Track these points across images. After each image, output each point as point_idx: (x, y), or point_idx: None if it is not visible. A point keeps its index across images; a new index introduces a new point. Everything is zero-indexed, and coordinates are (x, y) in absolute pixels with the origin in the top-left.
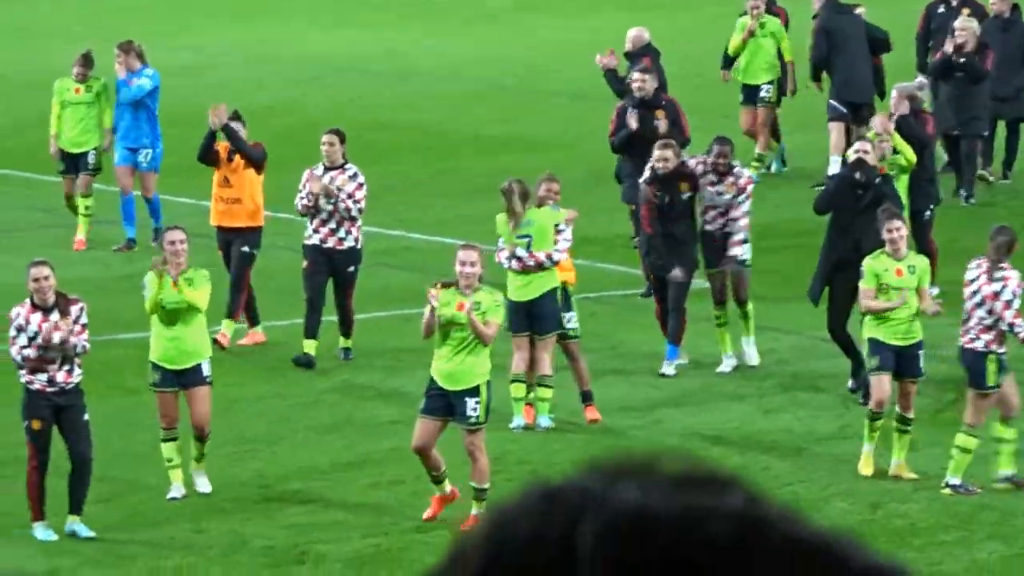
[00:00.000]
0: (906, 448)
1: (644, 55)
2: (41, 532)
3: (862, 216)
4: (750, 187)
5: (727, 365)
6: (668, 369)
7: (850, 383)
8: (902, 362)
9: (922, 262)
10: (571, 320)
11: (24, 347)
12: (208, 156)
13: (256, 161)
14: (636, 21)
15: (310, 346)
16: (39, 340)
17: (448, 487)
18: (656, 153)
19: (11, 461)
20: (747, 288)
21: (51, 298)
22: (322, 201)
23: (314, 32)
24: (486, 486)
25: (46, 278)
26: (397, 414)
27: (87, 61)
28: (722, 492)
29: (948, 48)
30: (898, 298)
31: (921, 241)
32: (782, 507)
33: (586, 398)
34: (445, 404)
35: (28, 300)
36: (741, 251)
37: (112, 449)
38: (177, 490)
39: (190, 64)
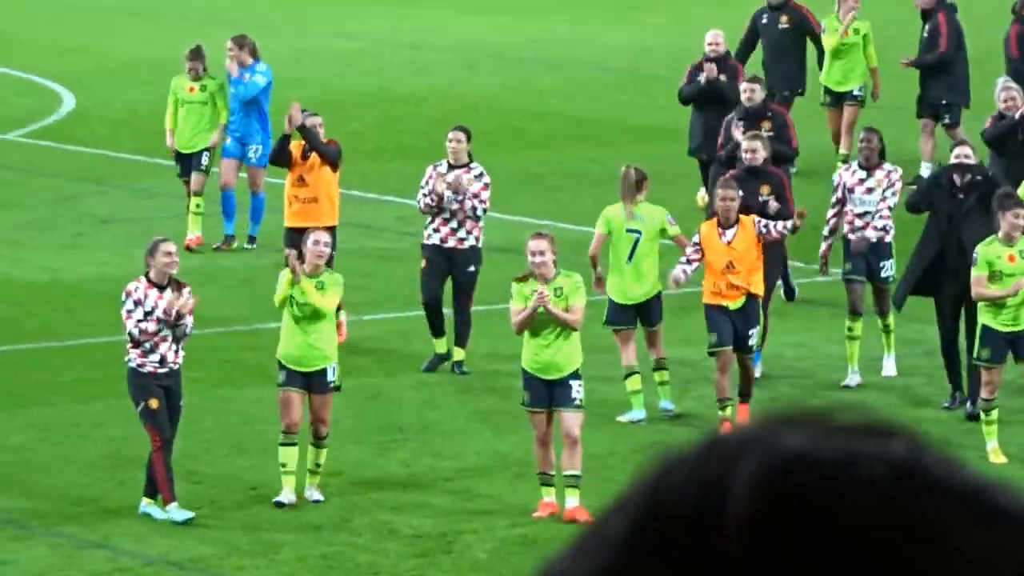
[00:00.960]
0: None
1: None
2: (177, 513)
3: (966, 219)
4: (899, 183)
5: (853, 379)
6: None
7: (966, 408)
8: (1019, 347)
9: None
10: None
11: (141, 320)
12: (281, 157)
13: (332, 159)
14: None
15: (440, 345)
16: (158, 314)
17: (552, 497)
18: (745, 143)
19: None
20: (888, 301)
21: (174, 274)
22: (447, 199)
23: (466, 19)
24: (580, 473)
25: (174, 253)
26: None
27: (198, 55)
28: (887, 440)
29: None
30: (1012, 285)
31: None
32: (949, 457)
33: (743, 396)
34: (547, 394)
35: (144, 277)
36: (889, 265)
37: (255, 438)
38: (287, 496)
39: (344, 51)
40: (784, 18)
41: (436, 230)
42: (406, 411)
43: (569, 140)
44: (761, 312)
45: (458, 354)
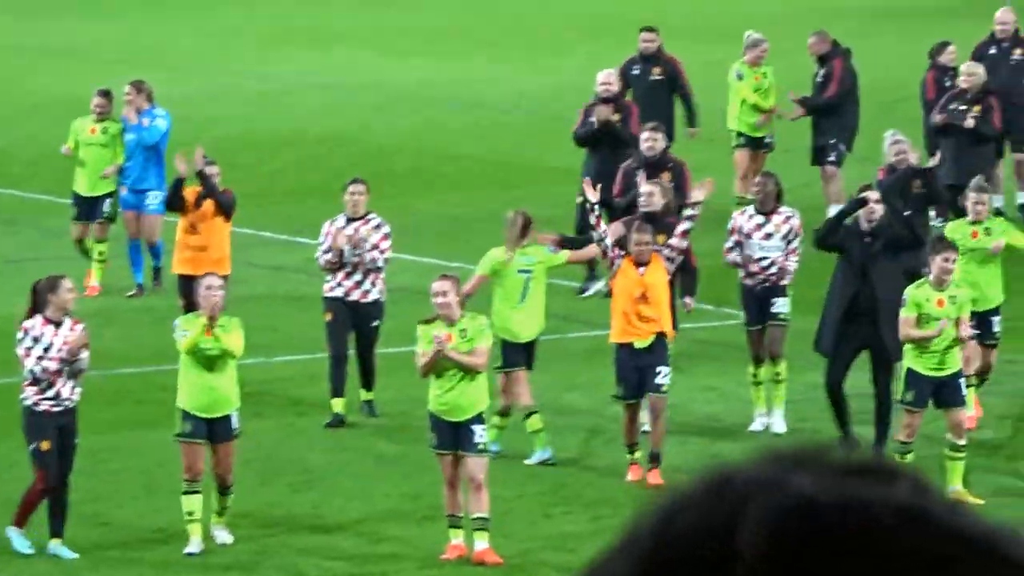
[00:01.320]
0: (960, 475)
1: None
2: (17, 541)
3: (875, 264)
4: (800, 228)
5: (760, 424)
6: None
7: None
8: (942, 392)
9: (963, 293)
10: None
11: (41, 358)
12: (176, 201)
13: (227, 208)
14: (702, 52)
15: (338, 404)
16: (60, 352)
17: (460, 540)
18: (642, 188)
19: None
20: (781, 344)
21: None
22: (347, 253)
23: (381, 60)
24: (488, 515)
25: (74, 289)
26: None
27: (106, 96)
28: (890, 482)
29: (942, 112)
30: (936, 327)
31: None
32: (950, 501)
33: (654, 460)
34: (452, 437)
35: (38, 314)
36: (783, 303)
37: (165, 480)
38: (195, 545)
39: (259, 91)
40: (657, 70)
41: (339, 283)
42: (316, 453)
43: (484, 182)
44: (668, 351)
45: (367, 395)
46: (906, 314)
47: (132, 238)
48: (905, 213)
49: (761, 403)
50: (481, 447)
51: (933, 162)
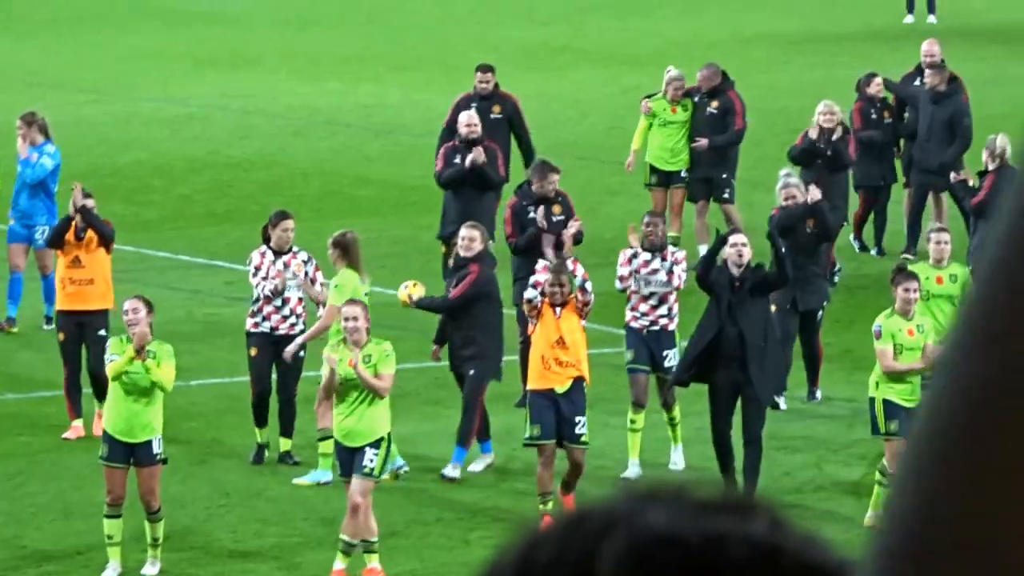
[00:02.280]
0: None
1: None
2: None
3: (742, 309)
4: (684, 264)
5: (633, 471)
6: (452, 472)
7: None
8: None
9: (928, 321)
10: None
11: None
12: (59, 239)
13: (109, 239)
14: (619, 76)
15: (263, 434)
16: None
17: (375, 563)
18: (463, 231)
19: None
20: (672, 392)
21: None
22: (287, 286)
23: (296, 84)
24: (375, 538)
25: None
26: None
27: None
28: (747, 518)
29: (812, 134)
30: (920, 360)
31: (810, 345)
32: (808, 535)
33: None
34: (350, 464)
35: None
36: (673, 354)
37: (83, 503)
38: (113, 569)
39: (173, 115)
40: (496, 108)
41: (266, 318)
42: (234, 477)
43: (398, 207)
44: (585, 399)
45: (285, 444)
46: (883, 346)
47: (14, 272)
48: (787, 251)
49: (636, 450)
50: (368, 470)
51: (814, 195)
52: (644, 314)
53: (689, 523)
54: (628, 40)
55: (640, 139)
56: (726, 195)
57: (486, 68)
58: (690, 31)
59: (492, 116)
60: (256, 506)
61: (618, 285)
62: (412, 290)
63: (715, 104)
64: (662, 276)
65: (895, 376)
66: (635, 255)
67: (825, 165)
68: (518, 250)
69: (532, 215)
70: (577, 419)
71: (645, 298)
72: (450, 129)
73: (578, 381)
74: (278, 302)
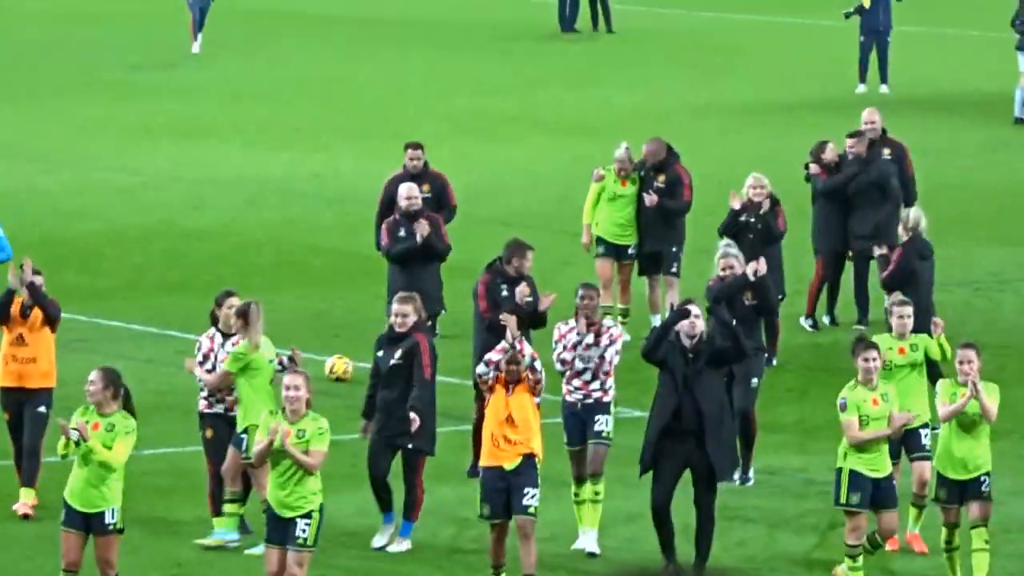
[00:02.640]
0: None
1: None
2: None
3: (697, 381)
4: (620, 341)
5: (584, 542)
6: (400, 546)
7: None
8: (881, 493)
9: (892, 390)
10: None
11: None
12: (3, 314)
13: (55, 317)
14: (571, 145)
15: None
16: None
17: None
18: (396, 307)
19: None
20: (601, 461)
21: None
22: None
23: (249, 153)
24: None
25: None
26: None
27: None
28: None
29: (735, 205)
30: (887, 427)
31: (745, 424)
32: None
33: None
34: (282, 533)
35: None
36: (606, 421)
37: (34, 573)
38: None
39: (126, 184)
40: (425, 187)
41: (220, 400)
42: (185, 548)
43: (351, 276)
44: (538, 472)
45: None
46: (848, 418)
47: None
48: (733, 323)
49: (583, 522)
50: (300, 541)
51: (761, 269)
52: (578, 388)
53: None
54: (579, 110)
55: (590, 213)
56: (674, 269)
57: (416, 145)
58: (641, 102)
59: (421, 194)
60: None
61: (558, 367)
62: (338, 364)
63: (662, 178)
64: (595, 353)
65: (862, 447)
66: (575, 333)
67: (757, 238)
68: (493, 326)
69: (505, 293)
70: (526, 490)
71: (579, 373)
72: (385, 207)
73: (528, 458)
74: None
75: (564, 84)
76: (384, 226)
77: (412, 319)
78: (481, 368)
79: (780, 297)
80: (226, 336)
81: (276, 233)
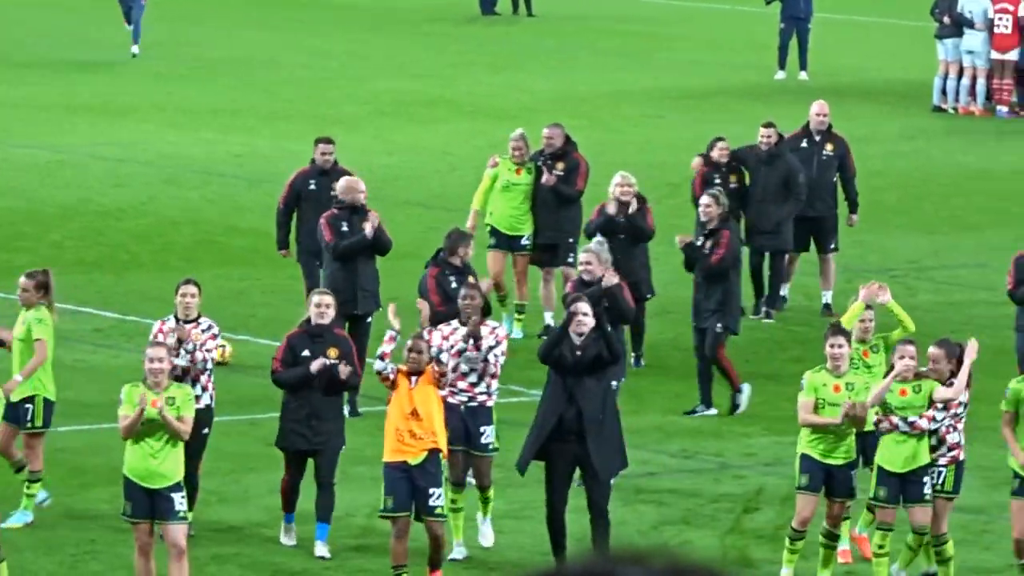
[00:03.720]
0: (833, 563)
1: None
2: None
3: (581, 381)
4: (506, 341)
5: (458, 552)
6: (322, 550)
7: None
8: (833, 481)
9: (861, 380)
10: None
11: None
12: None
13: None
14: (490, 129)
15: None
16: None
17: None
18: (317, 298)
19: None
20: (488, 473)
21: None
22: (179, 355)
23: (169, 133)
24: None
25: None
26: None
27: None
28: None
29: (611, 209)
30: (839, 415)
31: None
32: None
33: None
34: (149, 505)
35: None
36: (490, 432)
37: None
38: None
39: (46, 162)
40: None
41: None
42: (97, 526)
43: (270, 256)
44: (442, 472)
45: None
46: (803, 398)
47: None
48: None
49: (459, 533)
50: (182, 514)
51: (610, 279)
52: (463, 391)
53: None
54: (499, 94)
55: (481, 199)
56: (570, 260)
57: (327, 140)
58: (561, 86)
59: (333, 192)
60: (122, 553)
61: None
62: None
63: (560, 166)
64: (479, 355)
65: (818, 432)
66: (455, 330)
67: (627, 238)
68: (441, 320)
69: (454, 285)
70: (432, 491)
71: (464, 375)
72: (290, 203)
73: (433, 453)
74: (178, 371)
75: (484, 67)
76: (324, 222)
77: (332, 311)
78: (378, 364)
79: (648, 296)
80: (180, 321)
81: (195, 212)
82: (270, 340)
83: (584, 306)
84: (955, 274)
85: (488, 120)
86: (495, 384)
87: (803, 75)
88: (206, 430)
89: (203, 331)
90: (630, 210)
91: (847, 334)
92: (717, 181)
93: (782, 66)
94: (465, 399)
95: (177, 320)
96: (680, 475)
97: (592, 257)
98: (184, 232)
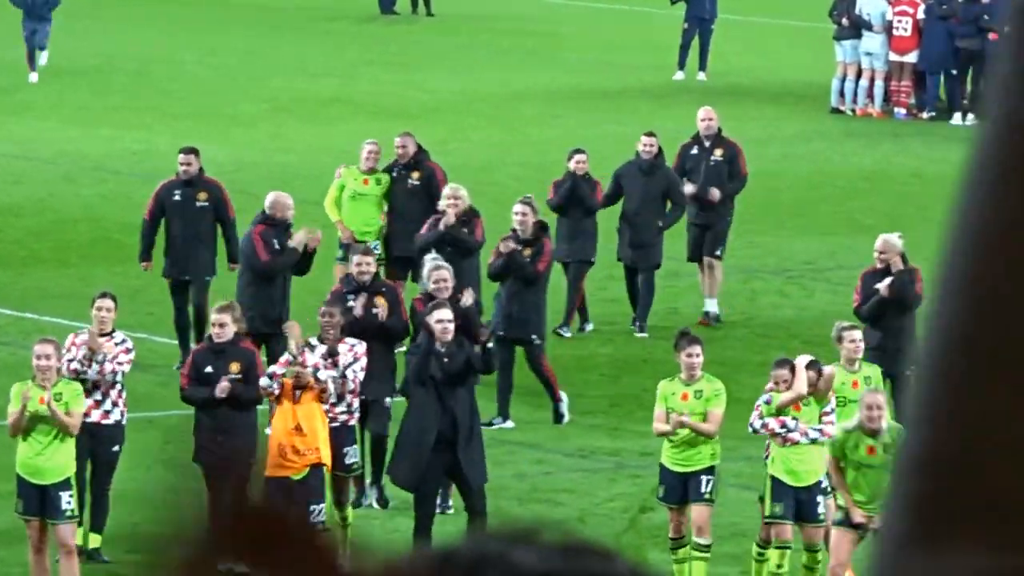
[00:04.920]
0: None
1: None
2: None
3: (452, 389)
4: (365, 358)
5: None
6: None
7: None
8: (687, 488)
9: (711, 387)
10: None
11: None
12: None
13: None
14: (389, 129)
15: (95, 540)
16: None
17: None
18: (216, 316)
19: None
20: (347, 491)
21: None
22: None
23: (67, 130)
24: None
25: None
26: None
27: None
28: (610, 560)
29: (447, 221)
30: (672, 423)
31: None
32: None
33: None
34: (39, 502)
35: None
36: (354, 451)
37: None
38: None
39: None
40: (202, 195)
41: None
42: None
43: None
44: (325, 483)
45: (94, 540)
46: (657, 407)
47: None
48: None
49: None
50: (69, 513)
51: (467, 300)
52: (324, 412)
53: (558, 563)
54: (398, 94)
55: (334, 211)
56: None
57: (189, 150)
58: (460, 86)
59: (198, 204)
60: (20, 551)
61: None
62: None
63: (416, 175)
64: (336, 373)
65: (673, 440)
66: (313, 349)
67: (455, 251)
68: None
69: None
70: (313, 507)
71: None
72: (156, 216)
73: (316, 468)
74: (88, 385)
75: (383, 67)
76: (257, 237)
77: (231, 329)
78: (264, 381)
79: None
80: (94, 335)
81: (93, 210)
82: (166, 339)
83: (446, 312)
84: (852, 275)
85: (387, 119)
86: (356, 402)
87: (702, 75)
88: (116, 447)
89: (116, 344)
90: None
91: (700, 342)
92: (567, 192)
93: (681, 66)
94: (328, 420)
95: (92, 334)
96: (575, 474)
97: (446, 274)
98: (81, 229)
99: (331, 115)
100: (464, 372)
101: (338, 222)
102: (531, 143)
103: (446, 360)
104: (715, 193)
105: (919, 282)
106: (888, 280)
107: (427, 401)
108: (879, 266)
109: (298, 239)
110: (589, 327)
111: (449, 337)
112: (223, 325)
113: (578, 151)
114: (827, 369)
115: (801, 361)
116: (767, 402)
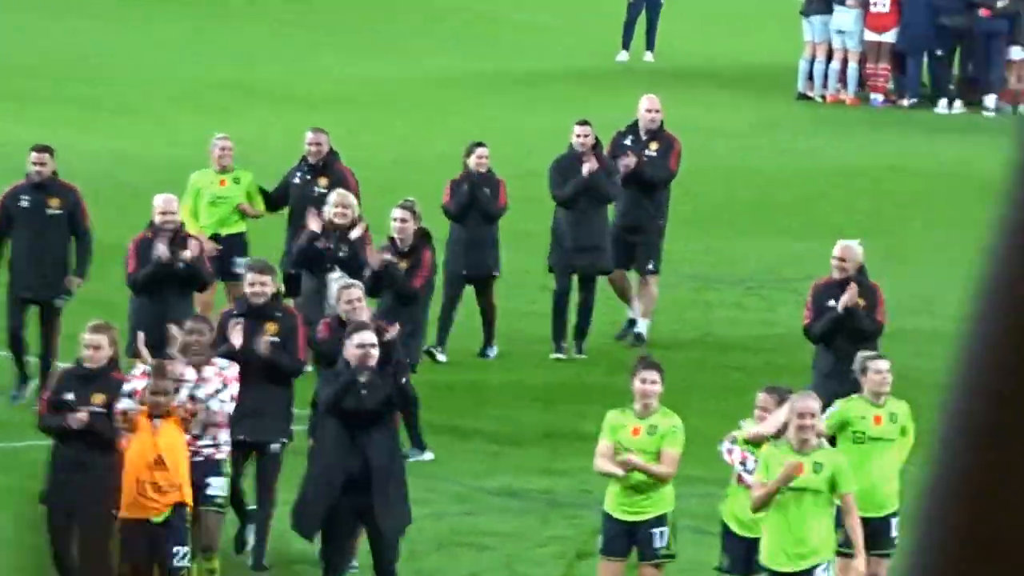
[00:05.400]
0: None
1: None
2: None
3: (368, 428)
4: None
5: None
6: None
7: None
8: (636, 540)
9: (667, 422)
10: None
11: None
12: None
13: None
14: (295, 119)
15: None
16: None
17: None
18: (88, 337)
19: None
20: (218, 534)
21: None
22: None
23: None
24: None
25: None
26: None
27: None
28: None
29: (315, 227)
30: (618, 464)
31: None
32: None
33: None
34: None
35: None
36: (219, 485)
37: None
38: None
39: None
40: (55, 201)
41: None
42: None
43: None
44: (187, 527)
45: None
46: (602, 441)
47: None
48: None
49: None
50: None
51: (393, 333)
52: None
53: None
54: (303, 81)
55: (192, 221)
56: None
57: (42, 149)
58: (374, 72)
59: (49, 211)
60: None
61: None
62: None
63: (324, 182)
64: (201, 395)
65: (620, 483)
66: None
67: (343, 267)
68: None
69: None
70: (177, 550)
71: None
72: (3, 225)
73: (179, 508)
74: None
75: (286, 54)
76: (133, 248)
77: (106, 352)
78: (125, 403)
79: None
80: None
81: None
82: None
83: (367, 335)
84: None
85: (289, 108)
86: (224, 434)
87: (648, 56)
88: None
89: None
90: (350, 236)
91: (660, 369)
92: (466, 190)
93: (626, 46)
94: (190, 452)
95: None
96: (503, 515)
97: (359, 292)
98: None
99: (226, 103)
100: (382, 407)
101: (200, 232)
102: (452, 132)
103: (364, 392)
104: (630, 160)
105: (880, 305)
106: (845, 297)
107: (338, 437)
108: (836, 276)
109: (207, 250)
110: (493, 352)
111: (372, 363)
112: (97, 348)
113: (479, 144)
114: (781, 410)
115: (791, 399)
116: (740, 427)
